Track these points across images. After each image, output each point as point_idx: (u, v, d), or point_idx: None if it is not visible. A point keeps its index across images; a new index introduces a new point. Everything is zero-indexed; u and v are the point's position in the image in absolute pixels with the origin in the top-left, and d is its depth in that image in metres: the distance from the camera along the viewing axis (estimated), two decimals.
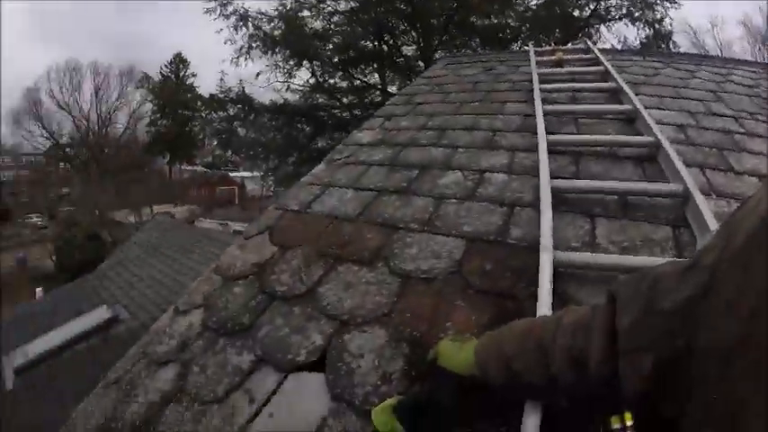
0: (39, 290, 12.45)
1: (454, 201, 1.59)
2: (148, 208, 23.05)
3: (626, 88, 2.20)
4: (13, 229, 23.44)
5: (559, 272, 1.15)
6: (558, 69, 2.88)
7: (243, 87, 9.86)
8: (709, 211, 1.21)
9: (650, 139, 1.69)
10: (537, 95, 2.21)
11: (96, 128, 30.84)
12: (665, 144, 1.60)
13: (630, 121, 2.01)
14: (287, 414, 0.97)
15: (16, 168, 30.42)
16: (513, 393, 0.76)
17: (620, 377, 0.55)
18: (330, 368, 1.04)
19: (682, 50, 8.79)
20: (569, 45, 5.79)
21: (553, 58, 3.06)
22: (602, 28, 9.64)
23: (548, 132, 1.80)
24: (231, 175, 30.94)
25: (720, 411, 0.41)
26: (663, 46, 8.61)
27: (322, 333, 1.14)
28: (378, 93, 10.10)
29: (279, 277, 1.40)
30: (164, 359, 1.23)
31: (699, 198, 1.28)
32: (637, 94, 2.15)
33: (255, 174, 22.77)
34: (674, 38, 9.08)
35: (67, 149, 30.70)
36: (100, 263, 8.86)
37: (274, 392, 1.03)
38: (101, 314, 5.44)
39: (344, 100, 10.43)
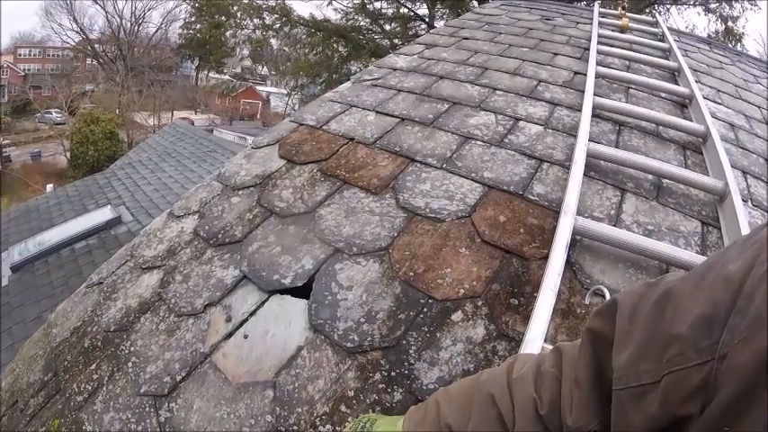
0: (50, 186, 12.56)
1: (480, 143, 1.47)
2: (169, 112, 22.86)
3: (687, 71, 2.01)
4: (32, 123, 23.47)
5: (575, 240, 1.06)
6: (620, 35, 2.64)
7: None
8: (744, 216, 1.11)
9: (701, 127, 1.56)
10: (593, 55, 2.02)
11: (129, 25, 30.04)
12: (715, 136, 1.47)
13: (683, 105, 1.87)
14: (262, 338, 0.93)
15: (43, 61, 30.05)
16: None
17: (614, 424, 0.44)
18: (315, 296, 0.99)
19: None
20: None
21: (618, 22, 2.81)
22: (673, 9, 8.88)
23: (595, 94, 1.66)
24: (257, 89, 30.31)
25: None
26: (731, 46, 7.98)
27: (314, 258, 1.09)
28: (423, 26, 9.47)
29: (280, 193, 1.33)
30: (149, 264, 1.21)
31: (737, 200, 1.17)
32: (696, 81, 1.97)
33: (282, 90, 22.39)
34: (744, 42, 8.38)
35: (97, 45, 30.08)
36: (113, 162, 8.88)
37: (253, 313, 0.99)
38: (104, 214, 5.31)
39: (387, 27, 9.89)
